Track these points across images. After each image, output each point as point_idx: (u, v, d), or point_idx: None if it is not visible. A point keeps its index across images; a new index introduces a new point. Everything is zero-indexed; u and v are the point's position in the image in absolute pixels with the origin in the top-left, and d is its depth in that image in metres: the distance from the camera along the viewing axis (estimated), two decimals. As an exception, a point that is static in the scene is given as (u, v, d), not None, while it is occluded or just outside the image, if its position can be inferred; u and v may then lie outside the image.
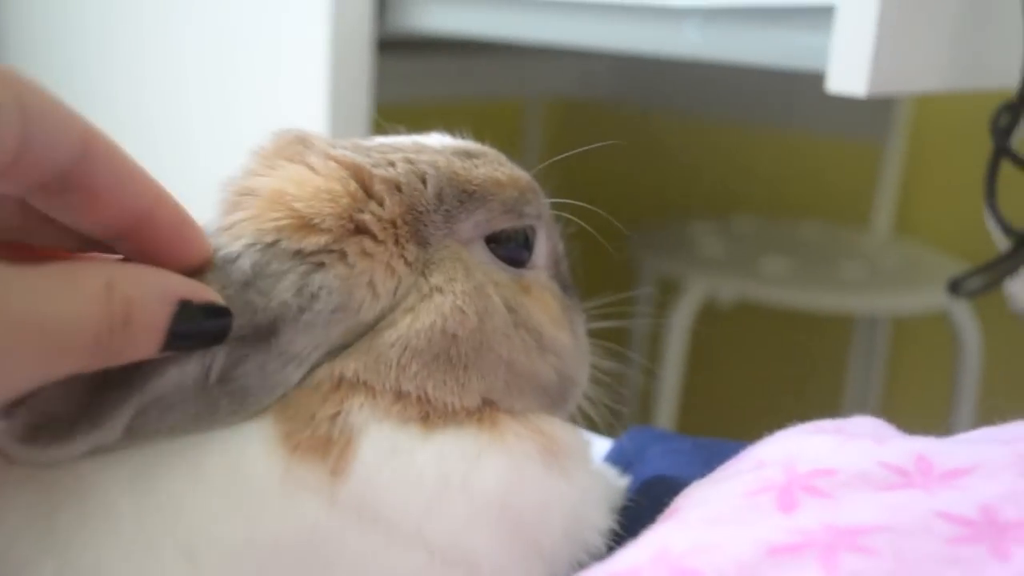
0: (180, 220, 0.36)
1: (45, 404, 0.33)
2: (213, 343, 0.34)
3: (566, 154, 0.48)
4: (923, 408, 1.75)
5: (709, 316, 1.50)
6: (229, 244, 0.36)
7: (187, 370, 0.34)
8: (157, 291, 0.33)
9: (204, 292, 0.34)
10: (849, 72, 0.67)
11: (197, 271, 0.36)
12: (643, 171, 1.87)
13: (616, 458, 0.55)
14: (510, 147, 0.47)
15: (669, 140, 1.94)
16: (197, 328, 0.33)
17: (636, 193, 1.85)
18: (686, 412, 1.52)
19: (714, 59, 0.78)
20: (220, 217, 0.38)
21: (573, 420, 0.47)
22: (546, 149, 1.89)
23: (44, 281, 0.30)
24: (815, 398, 1.83)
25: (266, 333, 0.36)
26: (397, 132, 0.47)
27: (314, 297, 0.36)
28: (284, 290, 0.36)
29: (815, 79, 0.71)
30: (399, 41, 1.12)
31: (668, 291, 1.52)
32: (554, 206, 0.46)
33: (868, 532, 0.30)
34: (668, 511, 0.37)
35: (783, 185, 1.85)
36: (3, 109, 0.29)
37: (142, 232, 0.35)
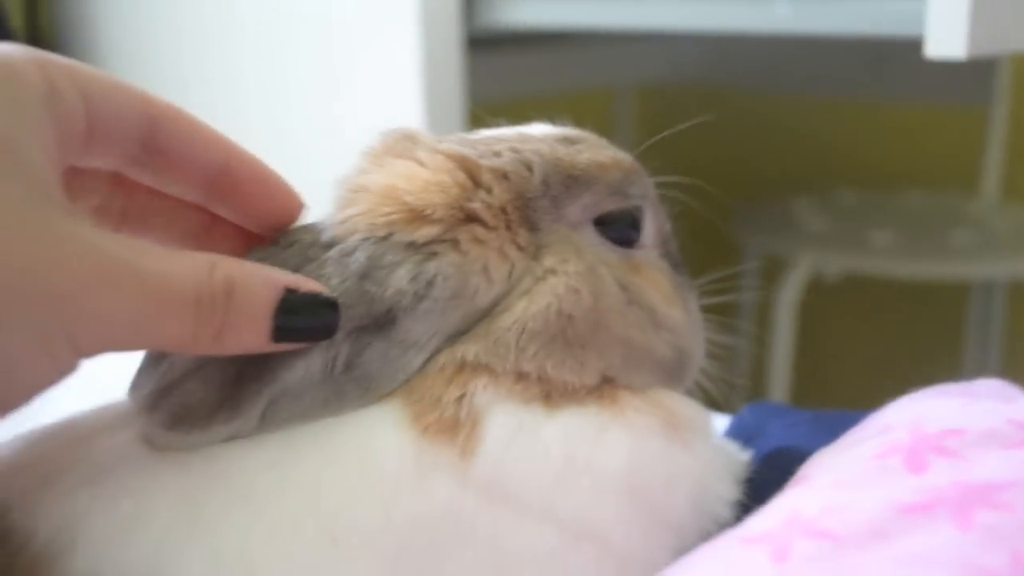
0: (259, 171, 0.39)
1: (187, 396, 0.35)
2: (322, 337, 0.36)
3: (662, 135, 0.49)
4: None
5: (818, 291, 1.48)
6: (345, 238, 0.38)
7: (313, 362, 0.36)
8: (261, 276, 0.34)
9: (309, 283, 0.35)
10: (948, 35, 0.65)
11: (287, 221, 0.39)
12: (740, 151, 1.85)
13: (736, 433, 0.55)
14: (604, 135, 0.47)
15: (763, 118, 1.92)
16: (305, 321, 0.35)
17: (735, 173, 1.83)
18: (799, 388, 1.50)
19: (806, 32, 0.77)
20: (335, 213, 0.39)
21: (690, 395, 0.47)
22: (639, 135, 1.88)
23: (155, 249, 0.33)
24: (931, 370, 1.77)
25: (385, 322, 0.37)
26: (498, 126, 0.48)
27: (430, 284, 0.38)
28: (399, 279, 0.37)
29: (910, 47, 0.69)
30: (489, 38, 1.13)
31: (774, 268, 1.51)
32: (659, 186, 0.46)
33: (1001, 488, 0.30)
34: (795, 479, 0.37)
35: (884, 156, 1.81)
36: (66, 95, 0.33)
37: (224, 186, 0.38)
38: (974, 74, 1.62)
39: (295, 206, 0.40)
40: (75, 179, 0.37)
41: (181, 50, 1.32)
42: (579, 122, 0.47)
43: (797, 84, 1.82)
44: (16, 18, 1.47)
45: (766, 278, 1.54)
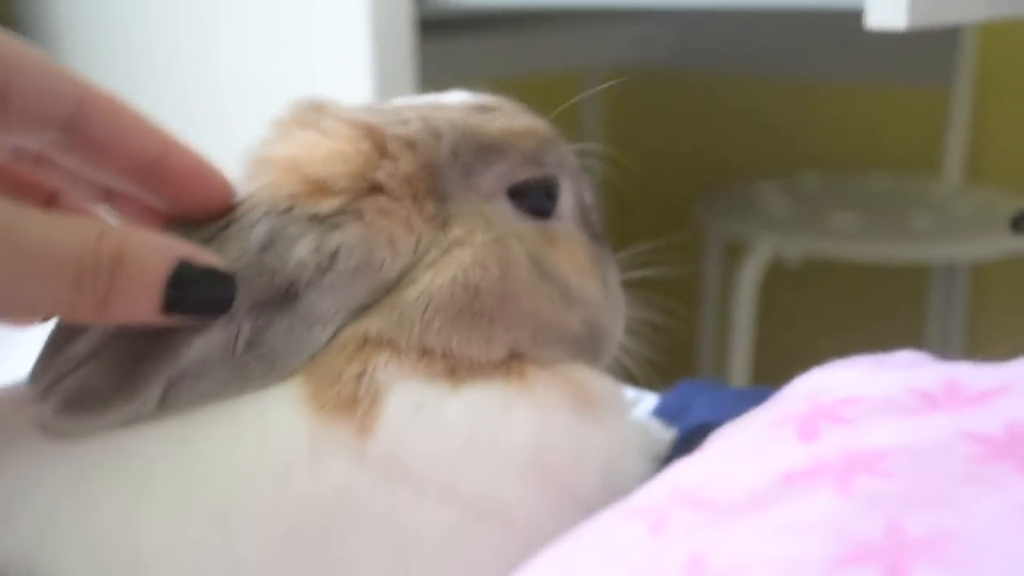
0: (196, 165, 0.38)
1: (82, 379, 0.34)
2: (217, 311, 0.35)
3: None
4: (1008, 357, 1.70)
5: (779, 275, 1.48)
6: (246, 213, 0.37)
7: (212, 339, 0.35)
8: (154, 245, 0.34)
9: (206, 256, 0.35)
10: (888, 5, 0.65)
11: (221, 213, 0.38)
12: (703, 134, 1.85)
13: (663, 411, 0.55)
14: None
15: (728, 101, 1.92)
16: (198, 294, 0.34)
17: (698, 156, 1.83)
18: (760, 373, 1.50)
19: (750, 6, 0.76)
20: (240, 187, 0.39)
21: (614, 373, 0.47)
22: (606, 119, 1.88)
23: (40, 214, 0.32)
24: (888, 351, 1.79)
25: (287, 297, 0.36)
26: None
27: (334, 256, 0.37)
28: (301, 250, 0.36)
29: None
30: (443, 21, 1.12)
31: (736, 253, 1.51)
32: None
33: (885, 455, 0.29)
34: (698, 449, 0.37)
35: (848, 139, 1.82)
36: None
37: (157, 176, 0.37)
38: (936, 55, 1.62)
39: (229, 197, 0.39)
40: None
41: (133, 34, 1.31)
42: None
43: (760, 66, 1.82)
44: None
45: (728, 262, 1.54)
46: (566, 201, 0.44)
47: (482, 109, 0.43)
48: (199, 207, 0.38)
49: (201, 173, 0.38)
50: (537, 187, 0.43)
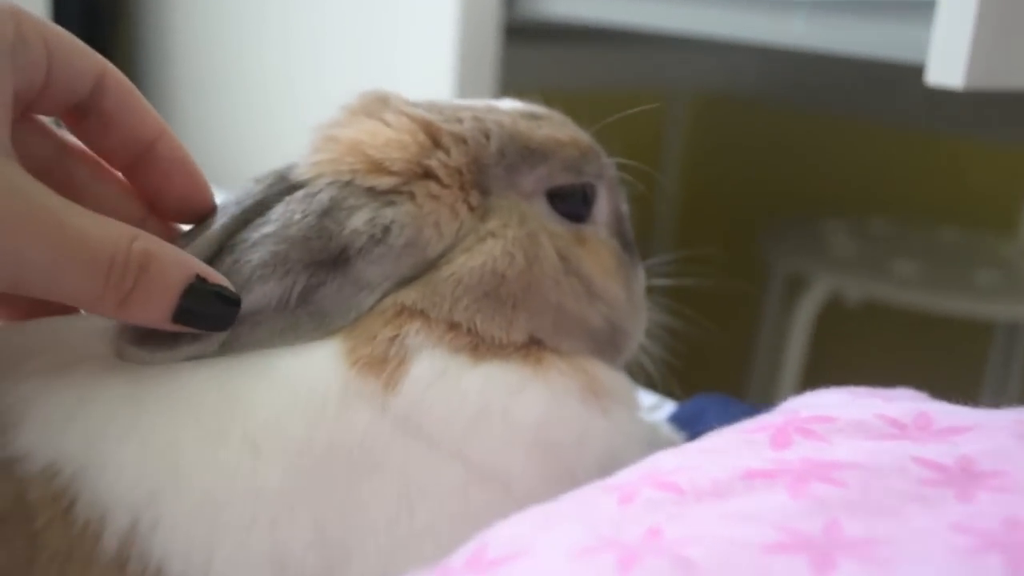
0: (181, 158, 0.43)
1: None
2: (217, 327, 0.39)
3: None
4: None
5: (837, 315, 1.49)
6: (312, 181, 0.42)
7: (270, 289, 0.40)
8: (177, 259, 0.38)
9: (218, 276, 0.39)
10: (947, 64, 0.67)
11: (195, 211, 0.43)
12: (781, 167, 1.86)
13: (678, 418, 0.58)
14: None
15: (807, 138, 1.93)
16: (205, 308, 0.38)
17: (773, 189, 1.84)
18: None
19: (817, 49, 0.79)
20: (306, 156, 0.43)
21: (633, 375, 0.50)
22: (686, 143, 1.91)
23: (83, 210, 0.36)
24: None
25: (340, 260, 0.41)
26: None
27: (387, 230, 0.41)
28: (357, 220, 0.41)
29: None
30: (530, 28, 1.15)
31: (797, 286, 1.52)
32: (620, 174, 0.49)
33: (842, 467, 0.32)
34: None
35: (923, 188, 1.81)
36: (31, 46, 0.37)
37: (146, 161, 0.42)
38: (1020, 114, 1.61)
39: (206, 200, 0.43)
40: (30, 134, 0.41)
41: (230, 39, 1.36)
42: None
43: (847, 107, 1.83)
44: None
45: (789, 295, 1.55)
46: (601, 208, 0.48)
47: (531, 116, 0.47)
48: (178, 200, 0.43)
49: (185, 168, 0.43)
50: (574, 192, 0.47)
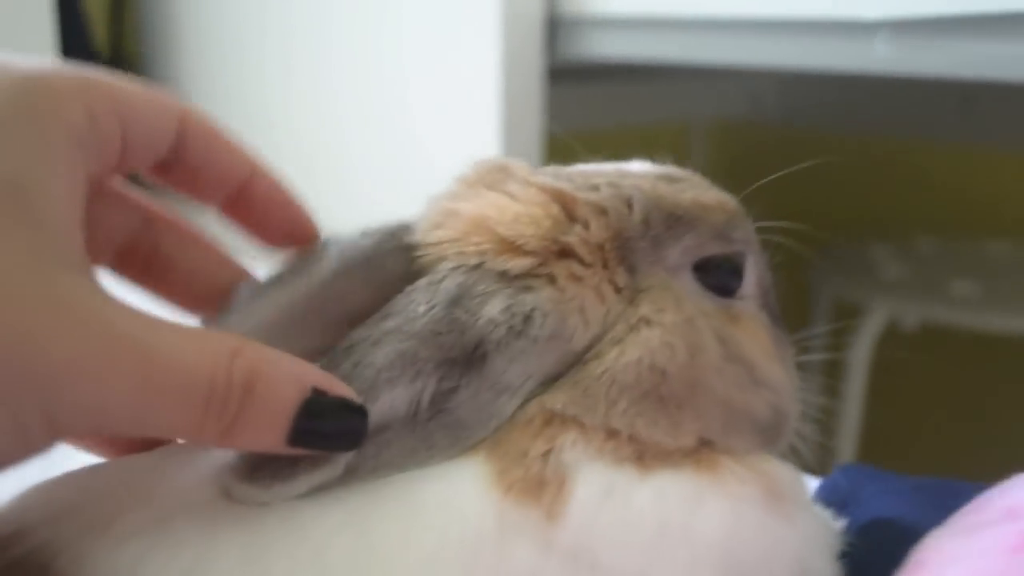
0: (278, 191, 0.38)
1: None
2: (345, 446, 0.32)
3: (767, 179, 0.46)
4: None
5: (894, 342, 1.43)
6: (434, 264, 0.36)
7: (398, 396, 0.34)
8: (288, 372, 0.31)
9: (339, 386, 0.32)
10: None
11: (300, 244, 0.38)
12: (817, 193, 1.80)
13: (827, 497, 0.52)
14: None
15: (841, 159, 1.87)
16: (328, 426, 0.32)
17: (811, 215, 1.79)
18: (869, 442, 1.45)
19: (907, 73, 0.74)
20: (424, 233, 0.38)
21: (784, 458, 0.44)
22: (713, 171, 1.85)
23: (170, 326, 0.30)
24: (1010, 427, 1.72)
25: (475, 357, 0.35)
26: (578, 155, 0.45)
27: (528, 320, 0.35)
28: (492, 308, 0.35)
29: (1000, 90, 0.66)
30: (567, 69, 1.11)
31: (847, 316, 1.46)
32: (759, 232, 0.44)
33: None
34: (912, 565, 0.34)
35: (967, 204, 1.76)
36: (102, 122, 0.32)
37: (244, 202, 0.37)
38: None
39: (310, 231, 0.39)
40: (109, 208, 0.36)
41: (264, 73, 1.32)
42: (651, 157, 0.45)
43: (878, 126, 1.78)
44: (100, 32, 1.49)
45: (838, 331, 1.49)
46: (749, 280, 0.42)
47: (669, 179, 0.41)
48: (281, 234, 0.38)
49: (283, 201, 0.38)
50: (725, 264, 0.41)
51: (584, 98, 1.41)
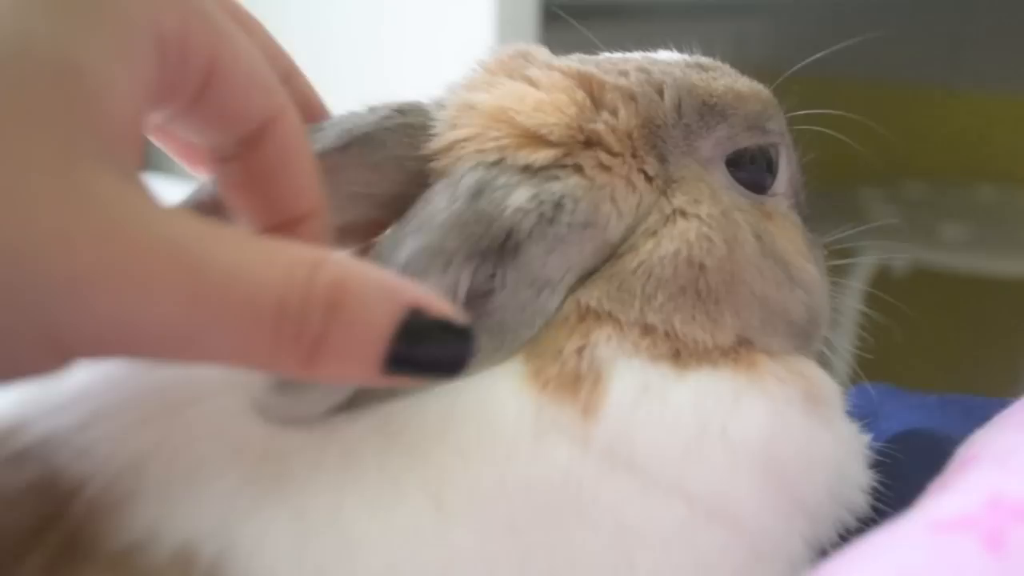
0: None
1: None
2: (447, 375, 0.28)
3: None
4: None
5: (884, 284, 1.42)
6: (450, 167, 0.34)
7: (430, 288, 0.30)
8: (382, 287, 0.27)
9: (441, 305, 0.28)
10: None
11: (303, 217, 0.32)
12: (804, 137, 1.79)
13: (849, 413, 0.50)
14: None
15: (827, 104, 1.86)
16: (429, 352, 0.27)
17: (799, 160, 1.77)
18: (857, 377, 1.44)
19: None
20: (440, 134, 0.35)
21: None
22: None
23: (235, 238, 0.26)
24: (996, 367, 1.72)
25: (507, 248, 0.32)
26: None
27: (558, 206, 0.33)
28: (518, 198, 0.32)
29: (987, 33, 0.63)
30: (567, 8, 1.09)
31: (837, 259, 1.45)
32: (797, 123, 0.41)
33: None
34: (961, 462, 0.32)
35: (955, 148, 1.74)
36: (191, 53, 0.28)
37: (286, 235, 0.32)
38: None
39: (315, 203, 0.33)
40: None
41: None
42: None
43: (866, 70, 1.76)
44: None
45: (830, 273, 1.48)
46: (782, 176, 0.40)
47: (700, 67, 0.39)
48: (283, 209, 0.33)
49: (299, 170, 0.32)
50: (758, 157, 0.38)
51: (578, 41, 1.38)
